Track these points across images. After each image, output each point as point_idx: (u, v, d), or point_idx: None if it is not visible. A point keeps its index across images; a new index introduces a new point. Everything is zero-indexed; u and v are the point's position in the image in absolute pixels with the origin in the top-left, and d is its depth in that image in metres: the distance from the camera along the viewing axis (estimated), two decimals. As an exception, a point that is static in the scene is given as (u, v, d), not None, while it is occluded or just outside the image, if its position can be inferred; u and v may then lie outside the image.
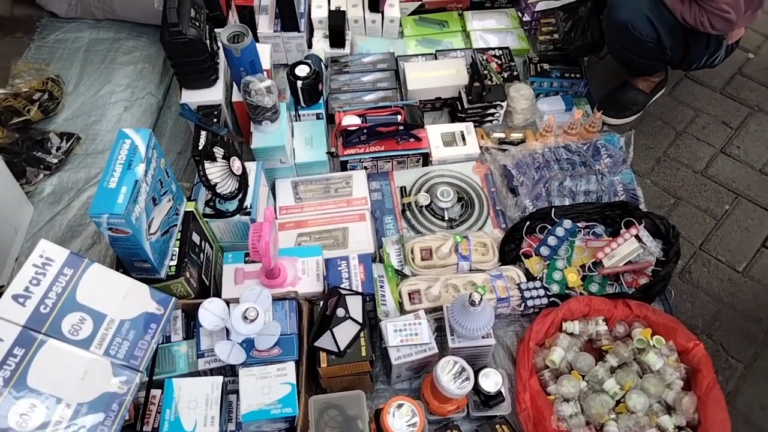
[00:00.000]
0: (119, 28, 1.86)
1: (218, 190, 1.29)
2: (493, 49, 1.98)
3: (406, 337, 1.24)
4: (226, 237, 1.43)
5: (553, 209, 1.54)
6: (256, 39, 1.83)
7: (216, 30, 1.64)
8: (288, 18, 1.83)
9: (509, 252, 1.49)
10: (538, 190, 1.62)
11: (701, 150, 1.83)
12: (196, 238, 1.29)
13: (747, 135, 1.86)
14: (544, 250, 1.47)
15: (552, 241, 1.48)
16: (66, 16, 1.86)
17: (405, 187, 1.66)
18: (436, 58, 1.96)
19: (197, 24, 1.46)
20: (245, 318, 1.08)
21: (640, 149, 1.81)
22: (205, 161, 1.28)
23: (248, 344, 1.13)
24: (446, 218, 1.60)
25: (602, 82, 1.95)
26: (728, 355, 1.46)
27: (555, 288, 1.44)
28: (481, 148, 1.73)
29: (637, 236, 1.44)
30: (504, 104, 1.78)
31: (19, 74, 1.63)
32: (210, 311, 1.12)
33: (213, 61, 1.55)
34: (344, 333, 1.20)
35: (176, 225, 1.25)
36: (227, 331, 1.13)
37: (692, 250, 1.63)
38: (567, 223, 1.50)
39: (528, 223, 1.52)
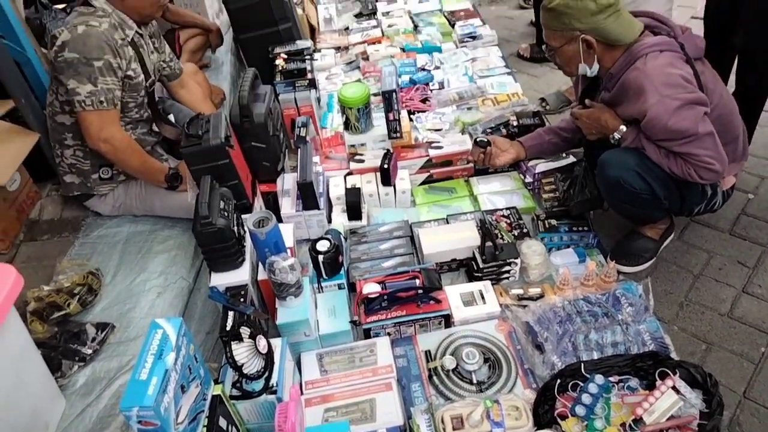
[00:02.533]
0: (155, 221, 2.03)
1: (245, 371, 1.31)
2: (501, 209, 2.10)
3: None
4: (253, 418, 1.41)
5: (583, 364, 1.50)
6: (280, 220, 1.98)
7: (243, 216, 1.79)
8: (309, 199, 1.99)
9: (543, 414, 1.44)
10: (564, 346, 1.60)
11: (722, 291, 1.83)
12: (222, 422, 1.28)
13: (765, 273, 1.87)
14: (580, 410, 1.42)
15: (586, 399, 1.43)
16: (110, 215, 2.05)
17: (430, 351, 1.65)
18: (447, 223, 2.07)
19: (226, 214, 1.61)
20: None
21: (661, 295, 1.82)
22: (232, 342, 1.32)
23: None
24: (474, 381, 1.57)
25: (611, 231, 2.02)
26: None
27: (597, 451, 1.36)
28: (501, 305, 1.75)
29: (674, 387, 1.39)
30: (518, 261, 1.84)
31: (63, 271, 1.75)
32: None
33: (240, 245, 1.67)
34: None
35: (203, 411, 1.25)
36: None
37: (736, 399, 1.55)
38: (599, 379, 1.46)
39: (559, 381, 1.48)
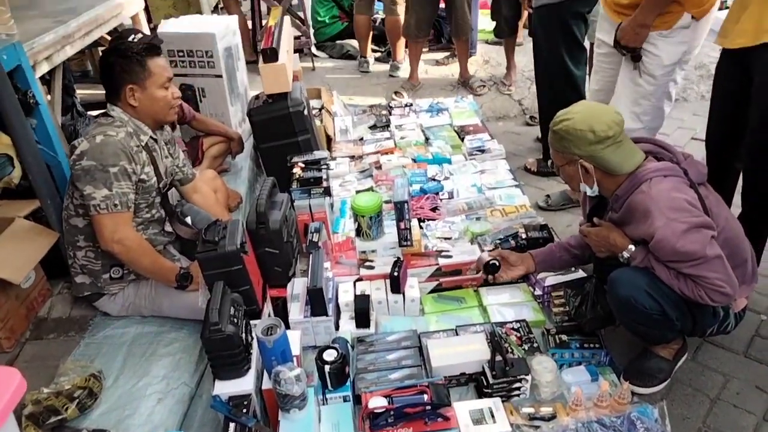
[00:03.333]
0: (163, 323, 2.03)
1: (243, 492, 1.25)
2: (511, 322, 2.08)
3: None
4: None
5: (599, 496, 1.42)
6: (288, 326, 1.97)
7: (252, 321, 1.78)
8: (317, 305, 1.99)
9: None
10: (578, 473, 1.52)
11: (742, 418, 1.76)
12: None
13: (786, 400, 1.81)
14: None
15: None
16: (118, 315, 2.05)
17: (437, 473, 1.57)
18: (457, 334, 2.04)
19: (235, 320, 1.60)
20: None
21: (677, 420, 1.75)
22: (232, 459, 1.27)
23: None
24: None
25: (623, 349, 1.98)
26: None
27: None
28: (512, 425, 1.68)
29: None
30: (528, 378, 1.79)
31: (65, 372, 1.73)
32: None
33: (247, 353, 1.65)
34: None
35: None
36: None
37: None
38: None
39: None
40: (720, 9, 2.27)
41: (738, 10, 1.85)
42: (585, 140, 1.70)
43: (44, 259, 2.05)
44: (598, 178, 1.75)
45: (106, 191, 1.82)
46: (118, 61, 1.90)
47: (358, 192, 2.82)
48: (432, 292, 2.31)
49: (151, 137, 2.00)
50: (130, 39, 2.43)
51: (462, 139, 3.27)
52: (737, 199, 2.17)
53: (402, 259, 2.21)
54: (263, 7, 4.79)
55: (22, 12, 2.36)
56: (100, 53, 3.73)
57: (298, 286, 2.12)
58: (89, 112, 2.98)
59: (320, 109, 3.48)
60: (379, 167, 3.05)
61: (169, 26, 2.95)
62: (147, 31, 3.10)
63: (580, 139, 1.70)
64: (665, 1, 2.10)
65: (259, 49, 2.93)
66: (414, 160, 3.09)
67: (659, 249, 1.61)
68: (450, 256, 2.30)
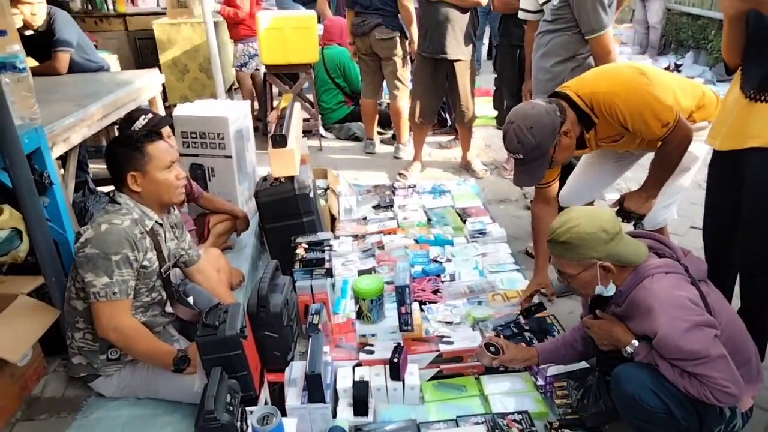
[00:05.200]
0: (156, 405, 1.98)
1: None
2: (512, 413, 2.03)
3: None
4: None
5: None
6: (284, 413, 1.92)
7: (247, 408, 1.74)
8: (315, 391, 1.95)
9: None
10: None
11: None
12: None
13: (801, 507, 1.72)
14: None
15: None
16: (112, 396, 2.01)
17: None
18: (457, 425, 1.99)
19: (231, 408, 1.58)
20: None
21: None
22: None
23: None
24: None
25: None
26: None
27: None
28: None
29: None
30: (531, 476, 1.73)
31: (53, 458, 1.68)
32: None
33: (241, 442, 1.61)
34: None
35: None
36: None
37: None
38: None
39: None
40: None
41: (725, 115, 1.93)
42: (600, 240, 1.69)
43: (43, 335, 2.03)
44: (615, 275, 1.73)
45: (107, 279, 1.82)
46: (119, 150, 1.96)
47: (360, 272, 2.83)
48: (432, 379, 2.27)
49: (156, 222, 2.01)
50: (139, 119, 2.53)
51: (464, 221, 3.32)
52: (737, 290, 2.16)
53: (402, 344, 2.19)
54: (275, 89, 5.02)
55: (47, 95, 2.48)
56: (116, 130, 3.89)
57: (296, 369, 2.09)
58: (100, 188, 3.06)
59: (326, 190, 3.57)
60: (381, 247, 3.08)
61: (184, 110, 3.08)
62: (162, 111, 3.25)
63: (595, 242, 1.69)
64: (670, 175, 2.23)
65: (269, 132, 3.04)
66: (416, 241, 3.12)
67: (662, 347, 1.60)
68: (451, 342, 2.28)
